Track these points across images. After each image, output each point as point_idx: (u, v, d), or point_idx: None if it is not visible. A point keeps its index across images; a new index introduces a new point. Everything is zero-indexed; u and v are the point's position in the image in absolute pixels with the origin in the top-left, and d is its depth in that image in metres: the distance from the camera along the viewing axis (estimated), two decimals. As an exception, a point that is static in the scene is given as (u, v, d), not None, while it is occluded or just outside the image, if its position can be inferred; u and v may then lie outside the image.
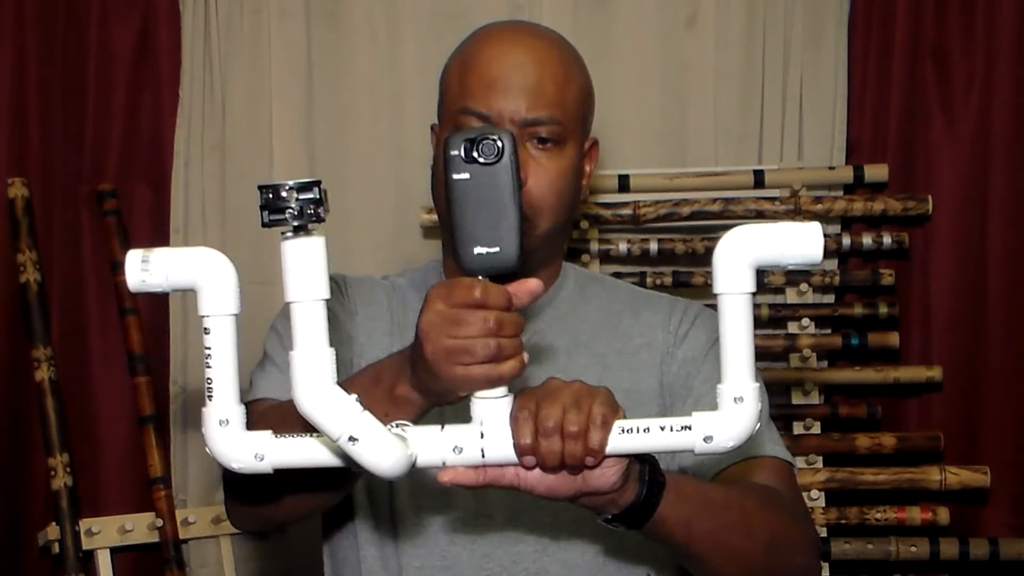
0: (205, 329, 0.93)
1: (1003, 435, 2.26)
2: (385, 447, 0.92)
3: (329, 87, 2.35)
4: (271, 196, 0.88)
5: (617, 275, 2.16)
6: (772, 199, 2.23)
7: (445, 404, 1.00)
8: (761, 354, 1.36)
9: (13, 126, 2.30)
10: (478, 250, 0.95)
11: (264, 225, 0.89)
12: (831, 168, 2.27)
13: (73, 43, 2.33)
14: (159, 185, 2.35)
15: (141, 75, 2.35)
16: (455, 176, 0.96)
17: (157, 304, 2.35)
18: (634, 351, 1.28)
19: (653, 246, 2.24)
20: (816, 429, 2.23)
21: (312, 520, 1.33)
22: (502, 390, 0.97)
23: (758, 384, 0.97)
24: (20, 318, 2.28)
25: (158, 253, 0.92)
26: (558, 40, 1.29)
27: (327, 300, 0.91)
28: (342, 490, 1.17)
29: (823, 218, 2.25)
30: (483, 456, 0.97)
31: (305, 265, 0.90)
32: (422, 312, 0.95)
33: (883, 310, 2.23)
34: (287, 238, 0.90)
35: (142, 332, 2.31)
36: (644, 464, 1.04)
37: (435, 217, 1.43)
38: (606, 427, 0.97)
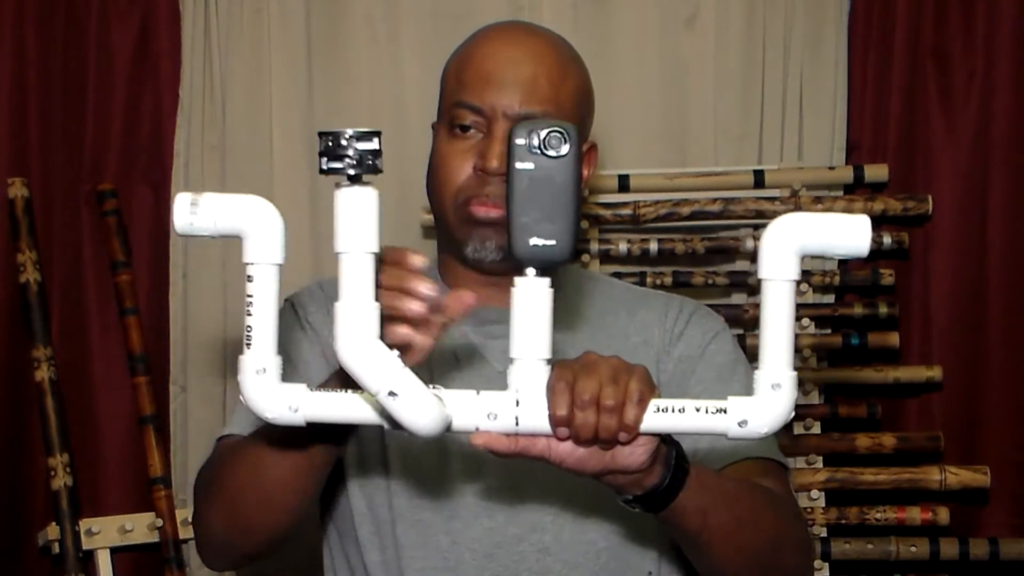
0: (248, 277, 0.93)
1: (1003, 435, 2.26)
2: (424, 404, 0.92)
3: (329, 87, 2.35)
4: (331, 143, 0.88)
5: (617, 275, 2.16)
6: (772, 199, 2.23)
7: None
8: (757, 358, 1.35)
9: (13, 126, 2.31)
10: (534, 241, 0.94)
11: (322, 172, 0.89)
12: (831, 168, 2.27)
13: (73, 43, 2.33)
14: (159, 185, 2.35)
15: (141, 75, 2.35)
16: (519, 165, 0.95)
17: (157, 304, 2.35)
18: (631, 349, 1.28)
19: (653, 246, 2.24)
20: (816, 429, 2.23)
21: (312, 521, 1.33)
22: (543, 355, 0.96)
23: (795, 373, 0.96)
24: (20, 318, 2.28)
25: (208, 197, 0.93)
26: (556, 39, 1.29)
27: (374, 253, 0.93)
28: (309, 497, 1.18)
29: (823, 218, 2.25)
30: (517, 424, 0.97)
31: (358, 215, 0.91)
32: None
33: (883, 310, 2.23)
34: (343, 186, 0.90)
35: (142, 332, 2.32)
36: (671, 448, 1.04)
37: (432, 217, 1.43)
38: (643, 404, 0.97)
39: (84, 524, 2.23)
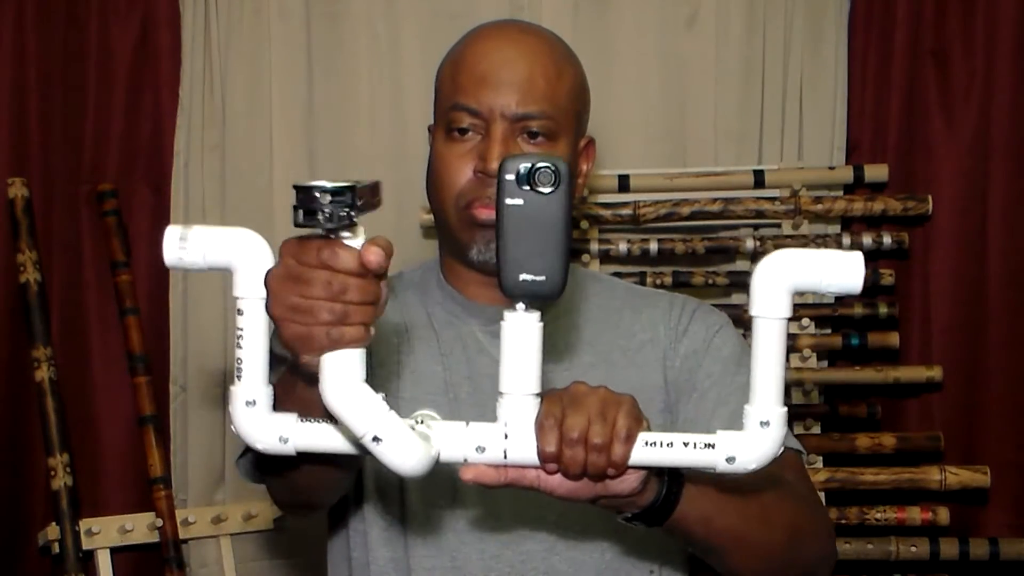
0: (239, 310, 0.93)
1: (1003, 435, 2.27)
2: (408, 448, 0.93)
3: (329, 87, 2.35)
4: (304, 197, 0.88)
5: (617, 275, 2.16)
6: (772, 199, 2.23)
7: (297, 370, 0.97)
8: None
9: (13, 126, 2.31)
10: (523, 277, 0.94)
11: (297, 225, 0.89)
12: (831, 168, 2.27)
13: (73, 43, 2.33)
14: (159, 185, 2.35)
15: (141, 75, 2.35)
16: (508, 201, 0.94)
17: (157, 304, 2.35)
18: (637, 348, 1.28)
19: (653, 246, 2.24)
20: (816, 429, 2.23)
21: (313, 520, 1.33)
22: (531, 389, 0.96)
23: (784, 409, 0.96)
24: (20, 318, 2.28)
25: (196, 231, 0.93)
26: (550, 37, 1.29)
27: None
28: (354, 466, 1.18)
29: (823, 218, 2.26)
30: (505, 457, 0.97)
31: None
32: (271, 268, 0.93)
33: (883, 310, 2.23)
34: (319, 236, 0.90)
35: (142, 332, 2.32)
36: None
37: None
38: (630, 440, 0.97)
39: (84, 524, 2.23)
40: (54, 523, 2.22)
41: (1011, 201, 2.26)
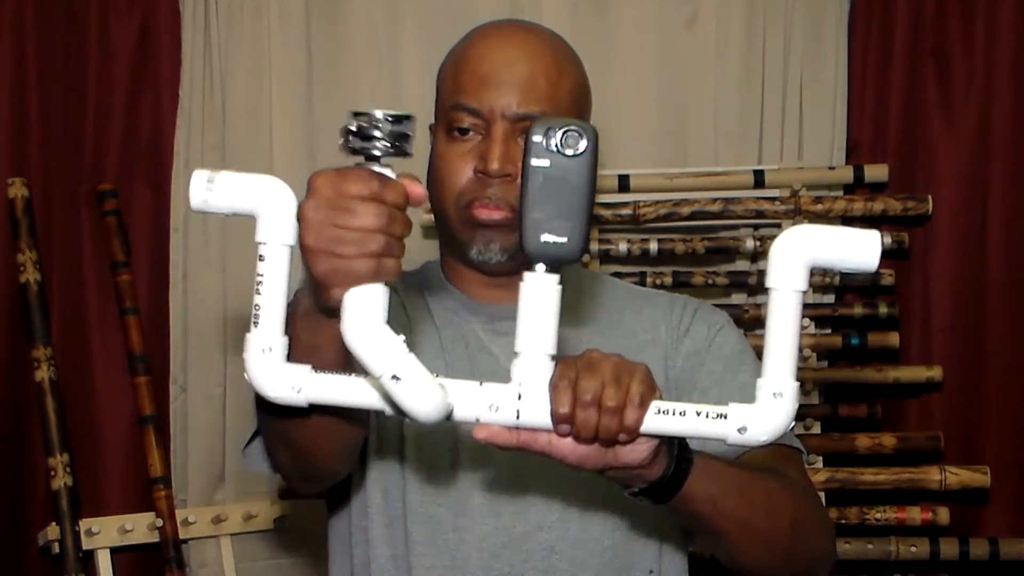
0: (260, 256, 0.93)
1: (1003, 435, 2.27)
2: (426, 390, 0.92)
3: (329, 87, 2.36)
4: (364, 121, 0.89)
5: (617, 275, 2.16)
6: (772, 199, 2.23)
7: (325, 309, 0.95)
8: (762, 354, 1.36)
9: (13, 126, 2.31)
10: (545, 237, 0.94)
11: (350, 150, 0.90)
12: (831, 168, 2.27)
13: (73, 43, 2.33)
14: (159, 185, 2.35)
15: (141, 75, 2.35)
16: (534, 162, 0.94)
17: (157, 304, 2.35)
18: (639, 347, 1.29)
19: (653, 246, 2.24)
20: (816, 429, 2.23)
21: (313, 519, 1.33)
22: (547, 350, 0.96)
23: (797, 384, 0.96)
24: (20, 318, 2.28)
25: (224, 175, 0.94)
26: (551, 37, 1.29)
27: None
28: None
29: (823, 218, 2.25)
30: (518, 417, 0.97)
31: None
32: (305, 199, 0.91)
33: (883, 310, 2.23)
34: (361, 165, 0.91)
35: (142, 332, 2.32)
36: (673, 440, 1.04)
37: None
38: (643, 406, 0.97)
39: (84, 524, 2.23)
40: (54, 523, 2.22)
41: (1011, 201, 2.26)
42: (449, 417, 0.96)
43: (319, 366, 0.97)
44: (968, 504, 2.26)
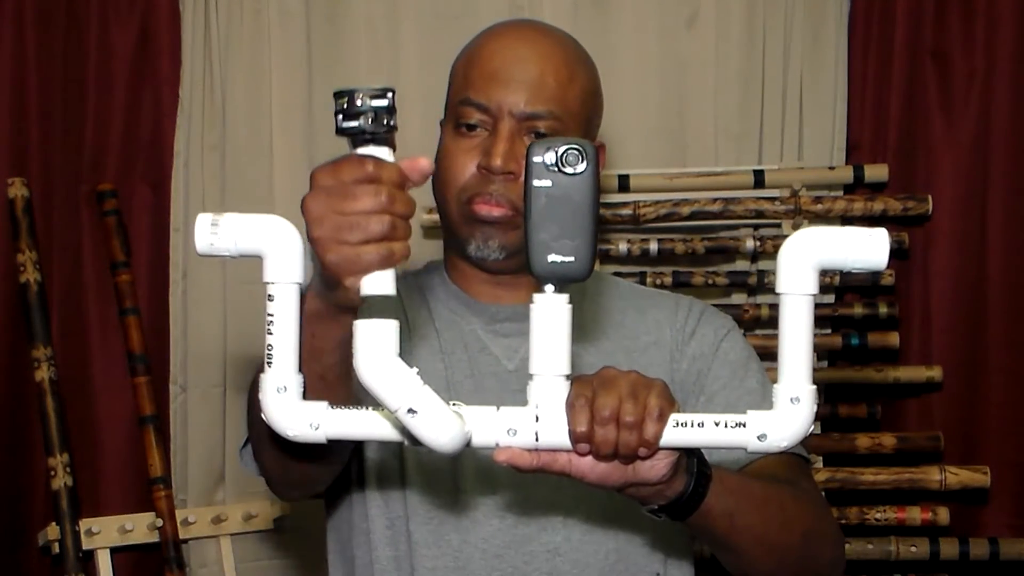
0: (269, 296, 0.93)
1: (1003, 435, 2.27)
2: (443, 421, 0.93)
3: (329, 87, 2.34)
4: (346, 100, 0.91)
5: (617, 275, 2.16)
6: (772, 199, 2.23)
7: (340, 305, 0.95)
8: (762, 354, 1.36)
9: (13, 126, 2.30)
10: (552, 258, 0.94)
11: (339, 131, 0.91)
12: (831, 168, 2.27)
13: (73, 43, 2.33)
14: (159, 185, 2.35)
15: (141, 75, 2.35)
16: (536, 183, 0.95)
17: (157, 304, 2.35)
18: (643, 349, 1.28)
19: (653, 246, 2.24)
20: (816, 429, 2.23)
21: (313, 519, 1.33)
22: (562, 371, 0.96)
23: (814, 387, 0.96)
24: (20, 318, 2.28)
25: (227, 218, 0.94)
26: (565, 39, 1.29)
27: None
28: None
29: (823, 218, 2.25)
30: (537, 440, 0.97)
31: None
32: (308, 194, 0.92)
33: (883, 310, 2.23)
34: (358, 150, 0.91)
35: (142, 332, 2.31)
36: (692, 456, 1.04)
37: (435, 217, 1.43)
38: (662, 420, 0.97)
39: (84, 524, 2.23)
40: (54, 523, 2.22)
41: (1011, 201, 2.26)
42: (468, 444, 0.96)
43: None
44: (968, 504, 2.26)
